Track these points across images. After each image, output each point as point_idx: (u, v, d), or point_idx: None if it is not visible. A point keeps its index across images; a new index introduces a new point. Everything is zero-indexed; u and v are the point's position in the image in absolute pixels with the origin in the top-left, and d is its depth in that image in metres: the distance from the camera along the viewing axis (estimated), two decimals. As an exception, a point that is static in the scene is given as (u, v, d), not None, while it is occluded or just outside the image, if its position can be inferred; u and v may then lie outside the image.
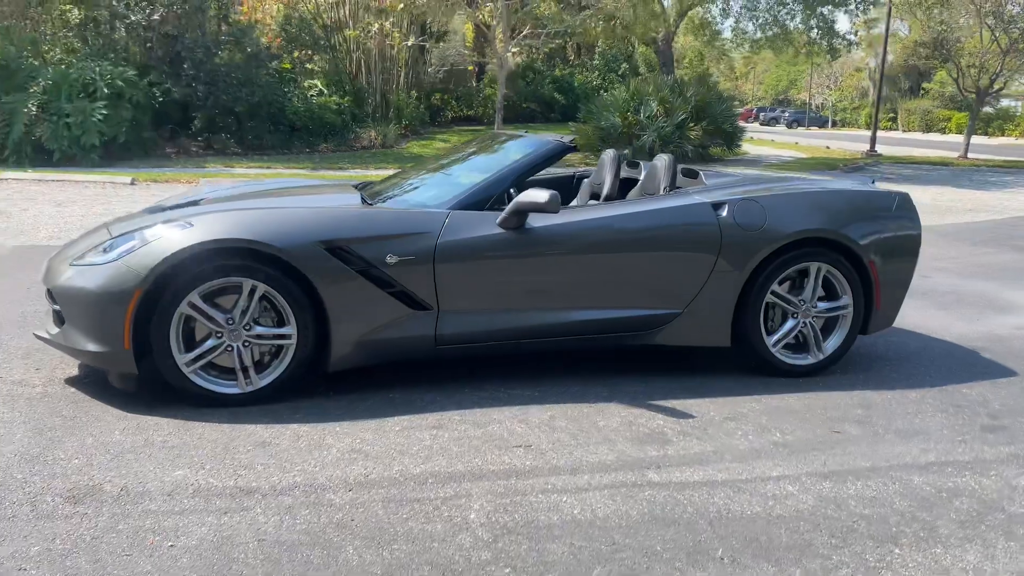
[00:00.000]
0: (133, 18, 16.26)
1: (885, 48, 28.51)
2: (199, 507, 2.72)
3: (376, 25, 17.67)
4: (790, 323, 4.32)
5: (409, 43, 18.35)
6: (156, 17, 16.18)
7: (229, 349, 3.57)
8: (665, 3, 21.64)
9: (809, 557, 2.55)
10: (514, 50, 17.82)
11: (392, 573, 2.38)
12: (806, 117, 59.40)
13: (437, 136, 21.89)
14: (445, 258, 3.78)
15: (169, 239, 3.49)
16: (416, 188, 4.41)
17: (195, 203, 4.33)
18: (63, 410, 3.49)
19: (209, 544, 2.49)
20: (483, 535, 2.61)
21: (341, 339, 3.70)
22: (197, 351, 3.54)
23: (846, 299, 4.35)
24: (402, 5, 17.62)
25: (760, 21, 23.86)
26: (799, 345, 4.38)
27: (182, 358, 3.51)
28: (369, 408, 3.66)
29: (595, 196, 4.95)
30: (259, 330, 3.60)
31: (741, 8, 23.79)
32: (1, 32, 15.56)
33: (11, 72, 15.10)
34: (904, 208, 4.57)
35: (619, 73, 31.54)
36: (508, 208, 3.86)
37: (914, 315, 5.58)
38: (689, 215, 4.16)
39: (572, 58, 34.72)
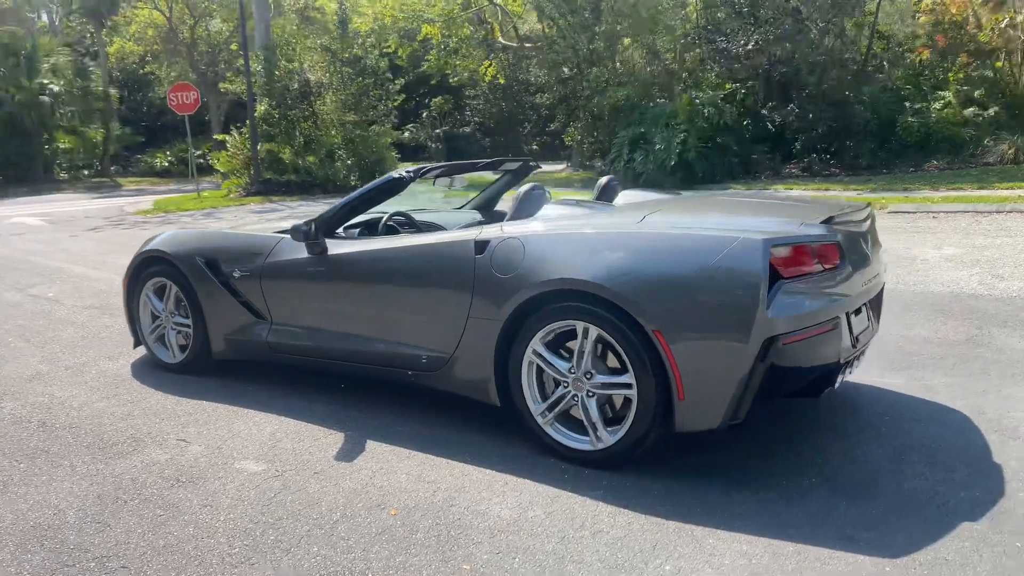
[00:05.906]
0: (733, 51, 17.51)
1: None
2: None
3: (1005, 18, 14.74)
4: (559, 391, 3.41)
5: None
6: (750, 47, 17.07)
7: (163, 329, 4.94)
8: None
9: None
10: None
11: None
12: None
13: None
14: (267, 276, 4.37)
15: (141, 246, 5.04)
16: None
17: None
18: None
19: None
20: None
21: (215, 335, 4.65)
22: (152, 326, 5.00)
23: (627, 377, 3.19)
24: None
25: None
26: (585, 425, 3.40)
27: (146, 330, 5.02)
28: (217, 393, 4.46)
29: None
30: (178, 319, 4.86)
31: None
32: (631, 80, 18.74)
33: (627, 110, 18.16)
34: (735, 263, 2.96)
35: None
36: (305, 236, 4.20)
37: None
38: (450, 252, 3.70)
39: None
